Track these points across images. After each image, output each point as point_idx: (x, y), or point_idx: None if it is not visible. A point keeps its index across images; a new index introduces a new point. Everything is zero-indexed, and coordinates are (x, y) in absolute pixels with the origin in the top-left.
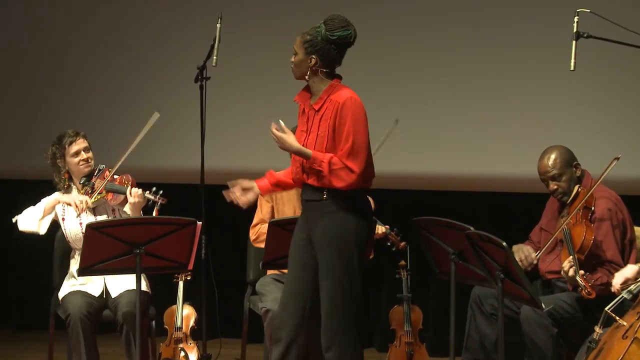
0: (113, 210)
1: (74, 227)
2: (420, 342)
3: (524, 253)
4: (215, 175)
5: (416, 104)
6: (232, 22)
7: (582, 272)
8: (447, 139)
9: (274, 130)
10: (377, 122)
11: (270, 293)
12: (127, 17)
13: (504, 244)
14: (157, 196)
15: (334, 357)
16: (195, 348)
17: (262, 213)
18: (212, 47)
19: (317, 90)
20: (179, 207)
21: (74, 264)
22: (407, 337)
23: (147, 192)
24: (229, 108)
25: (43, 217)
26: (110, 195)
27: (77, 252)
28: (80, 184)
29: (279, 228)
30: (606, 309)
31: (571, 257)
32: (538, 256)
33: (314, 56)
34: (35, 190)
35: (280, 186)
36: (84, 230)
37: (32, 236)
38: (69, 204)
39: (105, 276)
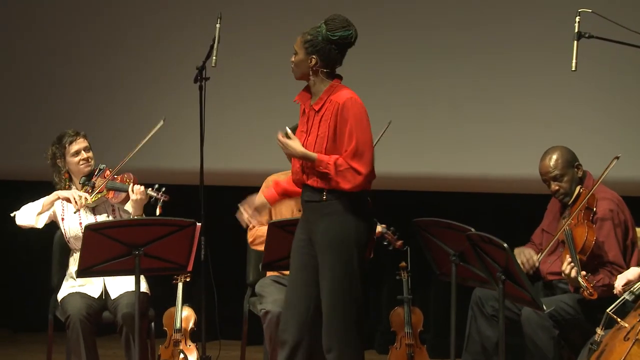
0: (113, 210)
1: (74, 226)
2: (421, 343)
3: (525, 256)
4: (214, 176)
5: (416, 104)
6: (232, 22)
7: (583, 273)
8: (447, 140)
9: (280, 137)
10: (377, 123)
11: (269, 294)
12: (127, 17)
13: (505, 245)
14: (160, 193)
15: (335, 358)
16: (195, 350)
17: None
18: (212, 47)
19: (317, 90)
20: (179, 208)
21: (73, 265)
22: (407, 339)
23: (150, 189)
24: (229, 109)
25: (42, 211)
26: (111, 194)
27: (76, 252)
28: (80, 183)
29: (279, 229)
30: (608, 310)
31: (571, 258)
32: (539, 259)
33: (314, 56)
34: (35, 191)
35: (287, 195)
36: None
37: (31, 237)
38: (68, 199)
39: (105, 277)
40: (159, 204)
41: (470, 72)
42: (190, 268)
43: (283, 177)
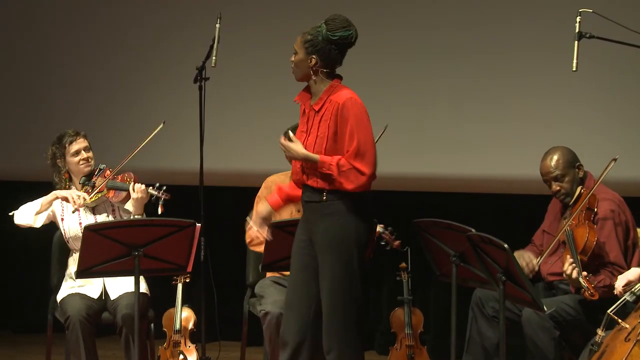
0: (113, 210)
1: (74, 226)
2: (421, 345)
3: (524, 260)
4: (214, 177)
5: (416, 104)
6: (232, 22)
7: (584, 273)
8: (447, 140)
9: (282, 141)
10: (377, 123)
11: (269, 295)
12: (127, 17)
13: (506, 245)
14: (161, 192)
15: (335, 358)
16: (195, 351)
17: None
18: (211, 47)
19: (317, 90)
20: (178, 208)
21: (73, 265)
22: (407, 340)
23: (151, 187)
24: (229, 109)
25: (40, 211)
26: (111, 193)
27: (76, 253)
28: (80, 183)
29: (279, 230)
30: (608, 311)
31: (572, 258)
32: (539, 262)
33: (314, 56)
34: (34, 191)
35: (291, 200)
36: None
37: (30, 237)
38: (66, 199)
39: (104, 278)
40: (160, 202)
41: (470, 72)
42: (189, 269)
43: (283, 178)
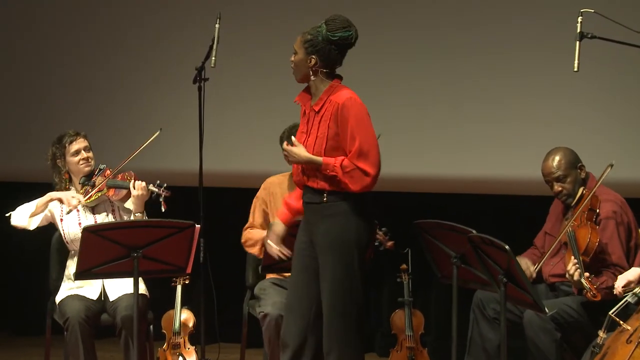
0: (113, 210)
1: (73, 227)
2: (422, 346)
3: (522, 267)
4: (214, 178)
5: (416, 104)
6: (232, 22)
7: (587, 274)
8: (447, 140)
9: (285, 146)
10: (377, 123)
11: (268, 297)
12: (127, 17)
13: (507, 247)
14: (162, 189)
15: (335, 359)
16: (194, 353)
17: (254, 217)
18: (211, 47)
19: (317, 91)
20: (178, 209)
21: (72, 266)
22: (408, 342)
23: (151, 184)
24: (228, 109)
25: (35, 213)
26: (112, 191)
27: (75, 254)
28: (79, 183)
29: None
30: (610, 313)
31: (576, 259)
32: (540, 264)
33: (314, 56)
34: (34, 192)
35: (300, 213)
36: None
37: (29, 238)
38: (61, 200)
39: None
40: (161, 199)
41: (470, 72)
42: (189, 270)
43: (282, 179)
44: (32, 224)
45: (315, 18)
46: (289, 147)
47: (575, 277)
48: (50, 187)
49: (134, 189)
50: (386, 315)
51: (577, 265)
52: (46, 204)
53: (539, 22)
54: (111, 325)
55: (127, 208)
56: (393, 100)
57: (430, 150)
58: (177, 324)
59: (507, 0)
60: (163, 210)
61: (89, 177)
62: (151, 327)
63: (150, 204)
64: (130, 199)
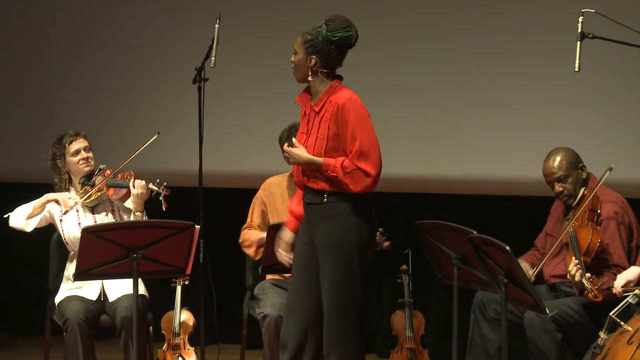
0: (112, 210)
1: (73, 227)
2: (423, 347)
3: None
4: (213, 178)
5: (416, 104)
6: (232, 22)
7: (588, 275)
8: (447, 140)
9: (286, 147)
10: (377, 123)
11: (268, 298)
12: (127, 17)
13: (507, 247)
14: (161, 187)
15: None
16: (194, 354)
17: (252, 218)
18: (211, 47)
19: (317, 91)
20: (178, 210)
21: (71, 267)
22: (408, 343)
23: (151, 183)
24: (228, 109)
25: (32, 214)
26: (111, 191)
27: (75, 254)
28: (79, 184)
29: (278, 231)
30: (611, 314)
31: (577, 260)
32: (541, 265)
33: (314, 56)
34: (34, 192)
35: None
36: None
37: (28, 239)
38: (57, 201)
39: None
40: (161, 198)
41: (470, 72)
42: (189, 271)
43: (281, 179)
44: (29, 226)
45: (315, 18)
46: (290, 148)
47: (577, 278)
48: (50, 188)
49: (134, 187)
50: (386, 316)
51: (578, 265)
52: (43, 206)
53: (539, 22)
54: (111, 326)
55: (126, 207)
56: (393, 100)
57: (430, 151)
58: (176, 325)
59: (507, 0)
60: (164, 209)
61: (88, 177)
62: (151, 328)
63: (150, 203)
64: (130, 198)
